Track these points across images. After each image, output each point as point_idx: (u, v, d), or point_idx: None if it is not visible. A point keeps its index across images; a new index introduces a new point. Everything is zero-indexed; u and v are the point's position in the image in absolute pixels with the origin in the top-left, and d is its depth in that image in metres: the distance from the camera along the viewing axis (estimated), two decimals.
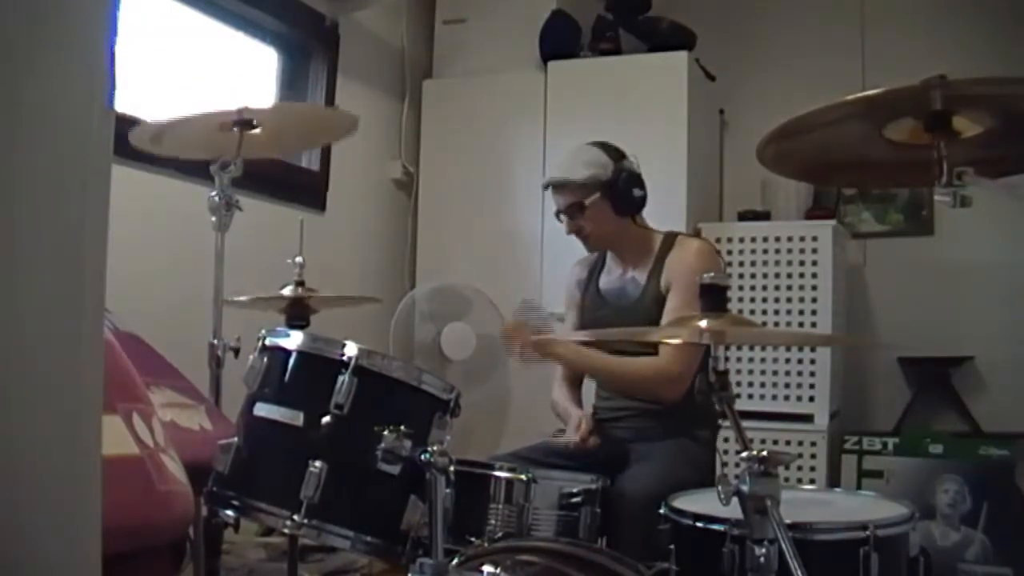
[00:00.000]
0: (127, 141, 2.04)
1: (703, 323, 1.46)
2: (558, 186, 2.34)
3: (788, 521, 1.35)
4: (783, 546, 1.31)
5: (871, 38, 3.90)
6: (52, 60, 0.69)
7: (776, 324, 3.41)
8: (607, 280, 2.43)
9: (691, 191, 3.48)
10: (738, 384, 3.40)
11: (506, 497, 1.78)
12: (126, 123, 2.03)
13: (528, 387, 2.68)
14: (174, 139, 2.09)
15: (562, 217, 2.36)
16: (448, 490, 1.51)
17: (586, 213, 2.31)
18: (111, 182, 0.74)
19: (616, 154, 2.33)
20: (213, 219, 2.10)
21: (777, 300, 3.44)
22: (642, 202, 2.34)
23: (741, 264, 3.49)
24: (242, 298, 2.28)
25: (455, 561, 1.52)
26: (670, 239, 2.35)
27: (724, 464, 2.66)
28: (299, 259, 2.31)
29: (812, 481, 3.28)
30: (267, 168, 2.57)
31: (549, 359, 2.35)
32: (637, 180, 2.32)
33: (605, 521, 1.88)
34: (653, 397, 2.26)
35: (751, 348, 3.40)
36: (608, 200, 2.29)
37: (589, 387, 2.49)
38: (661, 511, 1.66)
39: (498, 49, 3.78)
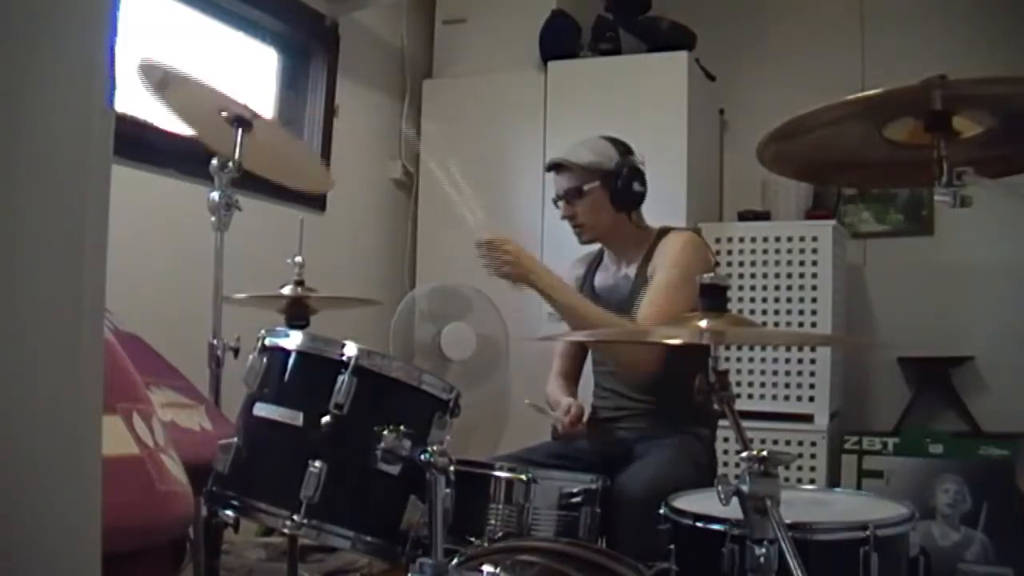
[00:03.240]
0: (127, 140, 2.04)
1: (703, 323, 1.46)
2: (559, 167, 2.35)
3: (788, 521, 1.35)
4: (783, 546, 1.31)
5: (871, 38, 3.90)
6: (52, 60, 0.69)
7: (776, 324, 3.41)
8: (602, 278, 2.43)
9: (691, 191, 3.48)
10: (738, 384, 3.40)
11: (506, 497, 1.78)
12: (127, 123, 2.03)
13: (528, 387, 2.68)
14: (179, 95, 2.07)
15: (559, 203, 2.36)
16: (448, 490, 1.51)
17: (583, 200, 2.31)
18: (111, 182, 0.74)
19: (623, 148, 2.34)
20: (213, 219, 2.10)
21: (777, 300, 3.44)
22: (640, 198, 2.34)
23: (741, 264, 3.49)
24: (240, 295, 2.28)
25: (455, 561, 1.52)
26: (662, 234, 2.36)
27: (725, 460, 2.67)
28: (299, 259, 2.31)
29: (812, 481, 3.28)
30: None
31: (523, 281, 2.20)
32: (639, 176, 2.32)
33: (605, 520, 1.88)
34: (627, 363, 2.24)
35: (751, 348, 3.40)
36: (607, 190, 2.30)
37: (588, 387, 2.49)
38: (661, 511, 1.66)
39: (498, 49, 3.78)
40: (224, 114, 2.07)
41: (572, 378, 2.48)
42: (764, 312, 3.43)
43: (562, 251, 2.74)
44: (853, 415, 3.78)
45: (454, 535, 1.59)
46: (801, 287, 3.42)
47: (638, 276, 2.31)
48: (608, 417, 2.37)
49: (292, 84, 3.49)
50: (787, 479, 2.88)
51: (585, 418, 2.26)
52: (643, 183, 2.33)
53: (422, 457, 1.51)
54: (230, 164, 2.06)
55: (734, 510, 1.36)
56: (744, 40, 4.08)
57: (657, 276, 2.24)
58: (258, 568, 2.53)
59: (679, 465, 2.10)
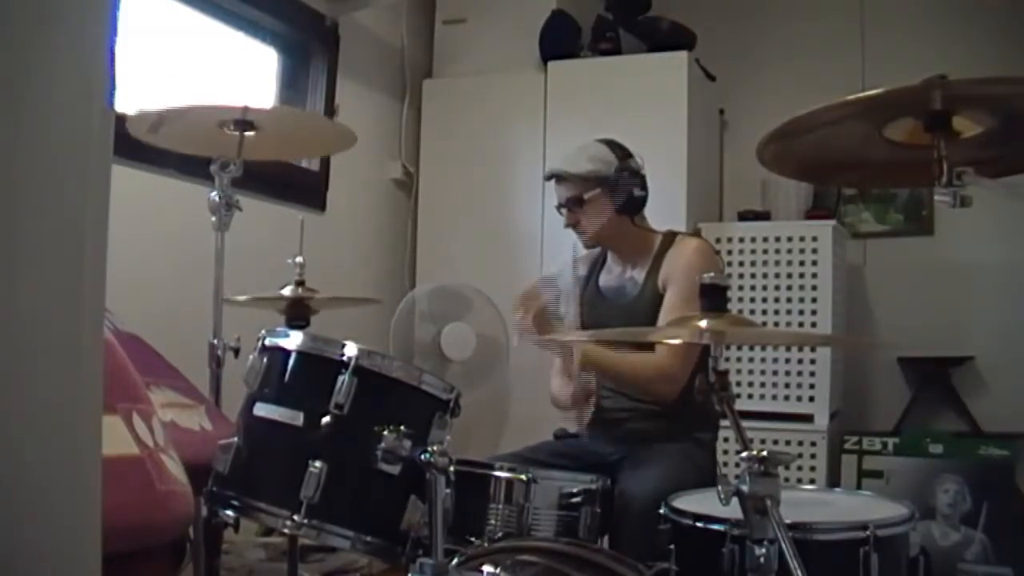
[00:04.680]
0: (127, 140, 2.04)
1: (703, 323, 1.46)
2: (559, 178, 2.35)
3: (788, 521, 1.35)
4: (783, 546, 1.31)
5: (871, 38, 3.90)
6: (52, 60, 0.69)
7: (776, 324, 3.41)
8: (607, 278, 2.43)
9: (691, 191, 3.48)
10: (738, 384, 3.40)
11: (506, 497, 1.78)
12: (127, 122, 2.03)
13: (528, 387, 2.68)
14: (172, 131, 2.07)
15: (562, 211, 2.37)
16: (448, 490, 1.51)
17: (585, 208, 2.31)
18: (111, 182, 0.74)
19: (621, 152, 2.34)
20: (213, 219, 2.10)
21: (777, 300, 3.44)
22: (642, 202, 2.34)
23: (741, 264, 3.49)
24: (241, 297, 2.28)
25: (455, 561, 1.52)
26: (669, 238, 2.36)
27: (725, 460, 2.67)
28: (299, 259, 2.31)
29: (812, 481, 3.28)
30: (267, 168, 2.56)
31: (549, 343, 2.32)
32: (639, 180, 2.33)
33: (605, 522, 1.88)
34: (649, 394, 2.26)
35: (751, 348, 3.40)
36: (608, 197, 2.30)
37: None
38: (661, 511, 1.66)
39: (498, 49, 3.78)
40: (223, 125, 2.07)
41: (574, 376, 2.48)
42: (764, 312, 3.43)
43: (562, 252, 2.74)
44: (853, 415, 3.77)
45: (454, 535, 1.59)
46: (801, 287, 3.41)
47: (647, 282, 2.31)
48: (613, 417, 2.37)
49: (292, 84, 3.48)
50: (787, 479, 2.88)
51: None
52: (643, 187, 2.34)
53: (422, 457, 1.51)
54: (231, 165, 2.06)
55: (734, 510, 1.36)
56: (744, 40, 4.08)
57: (671, 292, 2.25)
58: (258, 568, 2.53)
59: (682, 474, 2.10)
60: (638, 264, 2.36)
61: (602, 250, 2.48)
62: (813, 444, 3.34)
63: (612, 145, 2.35)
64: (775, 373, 3.42)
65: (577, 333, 2.42)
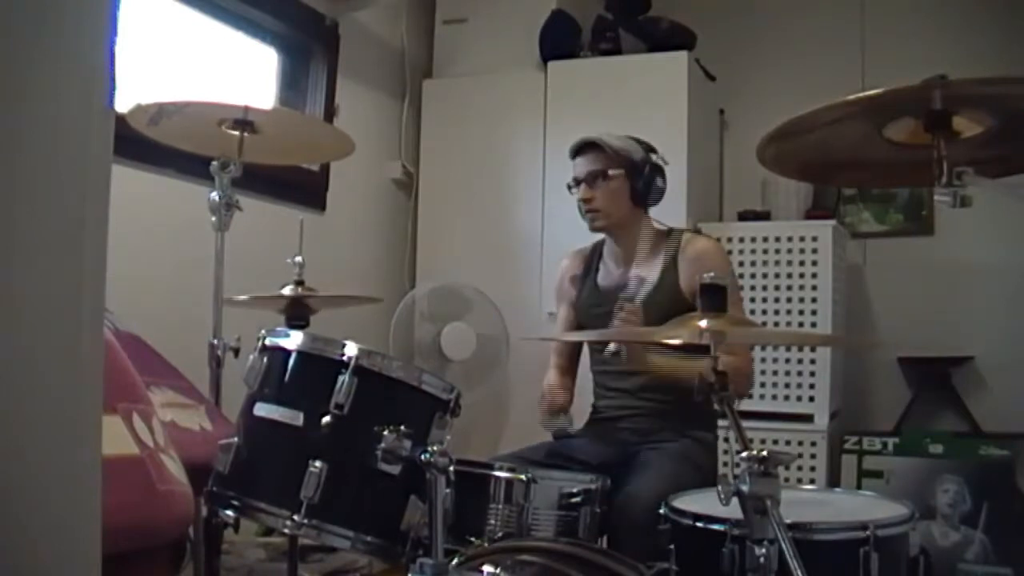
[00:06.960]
0: (127, 140, 2.04)
1: (703, 323, 1.46)
2: (591, 146, 2.35)
3: (788, 521, 1.35)
4: (783, 546, 1.31)
5: (871, 38, 3.90)
6: (52, 60, 0.69)
7: (776, 324, 3.41)
8: (606, 277, 2.42)
9: (691, 191, 3.48)
10: None
11: (506, 497, 1.78)
12: (127, 124, 2.03)
13: (528, 387, 2.68)
14: (172, 127, 2.07)
15: (574, 190, 2.36)
16: (448, 490, 1.51)
17: (605, 184, 2.32)
18: (111, 182, 0.74)
19: (648, 147, 2.38)
20: (213, 219, 2.11)
21: (777, 300, 3.44)
22: (660, 195, 2.37)
23: (741, 264, 3.49)
24: (242, 297, 2.28)
25: (455, 561, 1.52)
26: (676, 237, 2.35)
27: (725, 464, 2.66)
28: (299, 259, 2.31)
29: (812, 481, 3.28)
30: (267, 168, 2.56)
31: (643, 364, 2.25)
32: (661, 174, 2.36)
33: (605, 524, 1.88)
34: (740, 395, 2.25)
35: (751, 348, 3.40)
36: (629, 181, 2.32)
37: (589, 386, 2.48)
38: (661, 511, 1.66)
39: (498, 49, 3.78)
40: (223, 124, 2.07)
41: (570, 373, 2.48)
42: (764, 312, 3.43)
43: (562, 251, 2.74)
44: (853, 415, 3.77)
45: (454, 535, 1.59)
46: (801, 287, 3.41)
47: (663, 282, 2.29)
48: (611, 416, 2.36)
49: (292, 84, 3.49)
50: (787, 479, 2.88)
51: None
52: (664, 181, 2.36)
53: (422, 457, 1.51)
54: (231, 165, 2.06)
55: (734, 510, 1.36)
56: (744, 40, 4.08)
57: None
58: (258, 568, 2.53)
59: (682, 474, 2.09)
60: (644, 262, 2.35)
61: (596, 247, 2.47)
62: (813, 444, 3.34)
63: (640, 141, 2.39)
64: (775, 373, 3.42)
65: (578, 334, 2.42)
